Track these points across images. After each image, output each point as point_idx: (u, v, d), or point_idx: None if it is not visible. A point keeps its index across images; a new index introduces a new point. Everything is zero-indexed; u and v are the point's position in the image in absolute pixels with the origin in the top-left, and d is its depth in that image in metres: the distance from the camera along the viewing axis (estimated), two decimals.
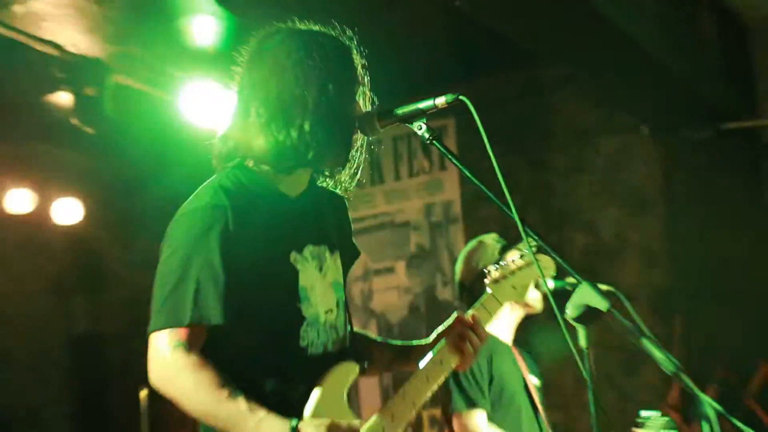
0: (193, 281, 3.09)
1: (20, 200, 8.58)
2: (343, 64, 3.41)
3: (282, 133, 3.25)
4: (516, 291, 3.80)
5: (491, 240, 5.45)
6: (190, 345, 3.07)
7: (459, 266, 5.50)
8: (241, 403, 3.01)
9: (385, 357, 3.65)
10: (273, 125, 3.26)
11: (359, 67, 3.46)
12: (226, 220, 3.15)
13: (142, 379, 3.12)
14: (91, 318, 9.36)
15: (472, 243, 5.53)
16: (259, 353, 3.19)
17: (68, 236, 9.04)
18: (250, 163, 3.32)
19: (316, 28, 3.48)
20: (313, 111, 3.27)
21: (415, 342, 3.66)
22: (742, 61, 7.98)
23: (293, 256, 3.27)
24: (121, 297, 8.14)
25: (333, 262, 3.43)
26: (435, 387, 3.40)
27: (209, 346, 3.12)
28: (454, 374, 4.72)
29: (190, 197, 3.27)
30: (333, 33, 3.50)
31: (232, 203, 3.19)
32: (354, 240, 3.68)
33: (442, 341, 3.44)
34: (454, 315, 3.52)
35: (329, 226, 3.50)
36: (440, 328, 3.51)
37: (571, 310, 3.54)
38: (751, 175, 7.91)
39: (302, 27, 3.49)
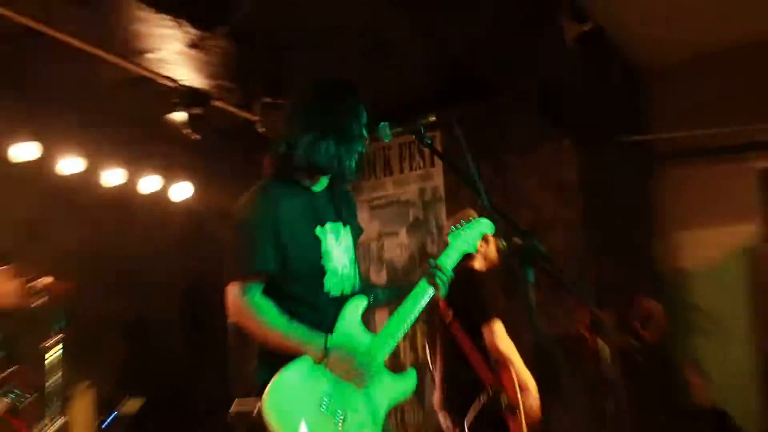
0: (257, 245, 3.27)
1: (151, 184, 8.62)
2: (354, 113, 3.54)
3: (312, 155, 3.43)
4: (467, 243, 3.79)
5: (471, 213, 4.76)
6: (256, 289, 3.25)
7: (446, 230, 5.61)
8: (296, 324, 3.22)
9: (384, 295, 3.70)
10: (308, 150, 3.43)
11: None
12: (276, 206, 3.34)
13: None
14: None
15: (457, 214, 5.24)
16: (298, 294, 3.31)
17: (184, 210, 9.06)
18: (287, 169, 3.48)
19: (341, 87, 3.60)
20: (333, 144, 3.44)
21: (404, 284, 3.74)
22: (638, 97, 8.11)
23: (318, 229, 3.42)
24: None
25: (345, 234, 3.54)
26: (419, 309, 3.49)
27: (267, 290, 3.28)
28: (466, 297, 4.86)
29: (254, 187, 3.48)
30: (350, 92, 3.59)
31: (280, 195, 3.39)
32: (358, 221, 3.79)
33: (422, 279, 3.52)
34: (430, 260, 3.58)
35: (342, 210, 3.59)
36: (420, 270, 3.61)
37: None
38: (642, 172, 8.04)
39: (332, 87, 3.61)
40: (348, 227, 3.61)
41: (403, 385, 3.45)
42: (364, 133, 3.55)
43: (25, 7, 6.00)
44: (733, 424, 6.70)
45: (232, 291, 3.26)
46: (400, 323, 3.46)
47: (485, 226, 3.88)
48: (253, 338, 3.29)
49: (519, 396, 4.91)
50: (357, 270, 3.61)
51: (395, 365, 3.46)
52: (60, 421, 5.10)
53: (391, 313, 3.53)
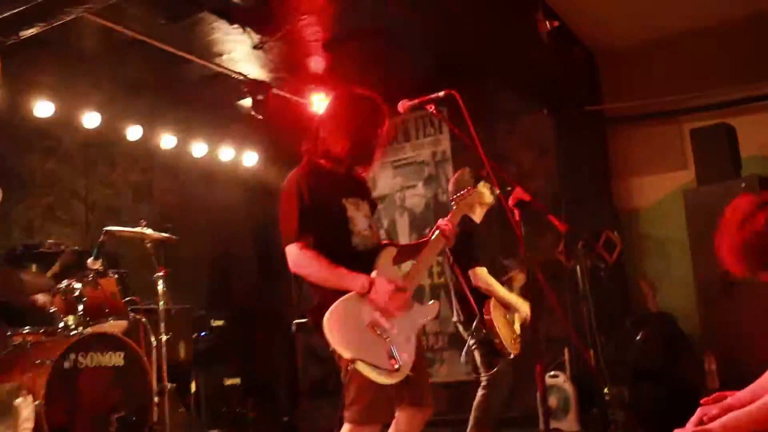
0: (299, 213, 3.23)
1: (227, 154, 8.73)
2: (376, 115, 3.45)
3: (342, 147, 3.37)
4: (469, 206, 3.77)
5: (467, 172, 5.25)
6: (308, 246, 3.22)
7: (450, 186, 5.36)
8: (342, 268, 3.17)
9: (404, 250, 3.60)
10: (340, 142, 3.38)
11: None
12: (311, 182, 3.29)
13: None
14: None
15: (457, 173, 5.38)
16: (333, 249, 3.24)
17: (253, 173, 9.07)
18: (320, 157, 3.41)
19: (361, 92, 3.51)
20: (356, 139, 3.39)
21: (421, 240, 3.67)
22: (595, 74, 7.93)
23: (343, 201, 3.36)
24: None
25: (364, 206, 3.46)
26: (435, 257, 3.60)
27: (314, 246, 3.24)
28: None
29: (293, 172, 3.41)
30: (369, 96, 3.48)
31: (313, 174, 3.35)
32: (372, 197, 3.68)
33: (436, 232, 3.49)
34: (438, 222, 3.54)
35: (360, 188, 3.53)
36: (433, 229, 3.55)
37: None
38: (600, 134, 7.87)
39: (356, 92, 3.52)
40: (366, 201, 3.52)
41: (427, 310, 3.42)
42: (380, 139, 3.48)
43: (131, 23, 6.13)
44: (676, 324, 6.63)
45: (289, 251, 3.24)
46: (423, 266, 3.50)
47: (482, 194, 3.95)
48: (312, 282, 3.26)
49: (495, 327, 4.88)
50: (375, 232, 3.51)
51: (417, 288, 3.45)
52: (166, 337, 5.08)
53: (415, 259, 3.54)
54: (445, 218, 3.57)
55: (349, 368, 3.04)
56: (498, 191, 4.39)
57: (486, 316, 4.88)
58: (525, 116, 8.05)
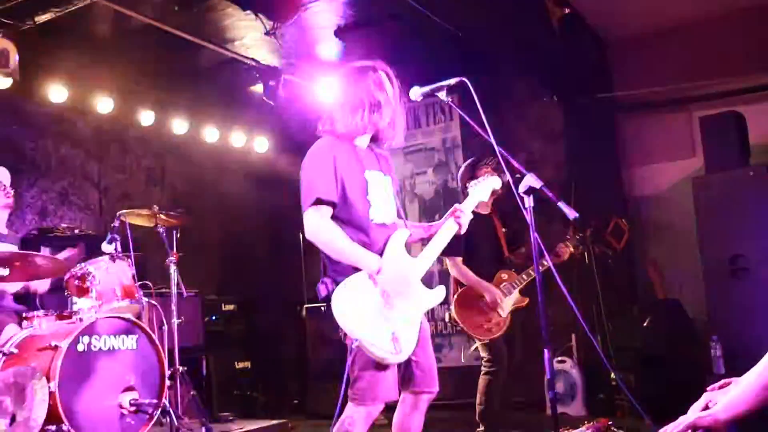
0: (323, 180, 3.20)
1: (239, 139, 8.76)
2: (380, 79, 3.44)
3: (356, 120, 3.35)
4: (482, 192, 3.81)
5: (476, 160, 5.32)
6: (327, 215, 3.19)
7: (461, 172, 5.44)
8: (358, 245, 3.17)
9: (418, 230, 3.62)
10: (354, 116, 3.36)
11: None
12: (335, 153, 3.26)
13: None
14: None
15: (467, 162, 5.46)
16: (352, 220, 3.24)
17: (263, 158, 9.07)
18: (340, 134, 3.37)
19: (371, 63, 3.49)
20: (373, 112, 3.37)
21: (434, 222, 3.67)
22: (604, 62, 7.91)
23: (366, 173, 3.34)
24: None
25: (385, 180, 3.44)
26: (446, 241, 3.53)
27: (332, 218, 3.21)
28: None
29: (318, 142, 3.39)
30: (368, 64, 3.49)
31: (337, 146, 3.31)
32: (395, 164, 3.74)
33: (450, 219, 3.53)
34: (455, 206, 3.60)
35: (383, 162, 3.50)
36: (447, 213, 3.59)
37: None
38: (610, 121, 7.88)
39: (355, 65, 3.52)
40: (387, 177, 3.50)
41: (434, 296, 3.42)
42: (391, 101, 3.44)
43: (144, 8, 6.10)
44: (683, 311, 6.62)
45: (309, 216, 3.19)
46: (436, 246, 3.50)
47: (494, 181, 3.87)
48: (324, 252, 3.22)
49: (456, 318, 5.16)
50: (396, 207, 3.52)
51: (426, 273, 3.46)
52: (178, 321, 5.11)
53: (425, 244, 3.56)
54: (461, 204, 3.58)
55: (354, 346, 3.05)
56: (509, 178, 4.47)
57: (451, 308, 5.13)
58: (535, 103, 7.99)
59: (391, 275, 3.19)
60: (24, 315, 4.73)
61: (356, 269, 3.16)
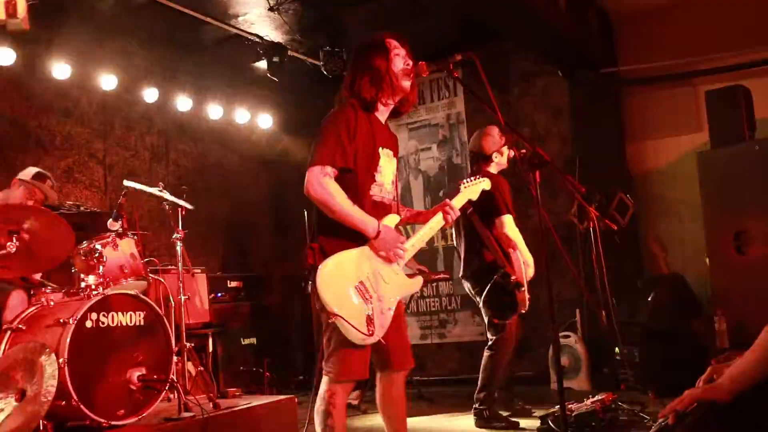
0: (338, 142, 3.18)
1: (243, 116, 8.66)
2: (387, 47, 3.39)
3: (371, 92, 3.32)
4: (473, 193, 3.70)
5: (495, 130, 5.23)
6: (332, 176, 3.17)
7: (479, 141, 5.32)
8: (357, 208, 3.16)
9: (409, 214, 3.57)
10: (368, 88, 3.32)
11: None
12: (356, 120, 3.23)
13: None
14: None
15: (486, 129, 5.33)
16: (350, 190, 3.20)
17: (267, 134, 9.11)
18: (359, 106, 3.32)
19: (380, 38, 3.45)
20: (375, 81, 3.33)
21: (423, 210, 3.71)
22: (610, 37, 7.86)
23: (379, 149, 3.32)
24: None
25: (393, 162, 3.43)
26: (433, 234, 3.49)
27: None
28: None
29: (336, 107, 3.37)
30: (376, 36, 3.46)
31: (358, 114, 3.26)
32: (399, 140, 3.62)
33: (439, 214, 3.44)
34: (445, 200, 3.49)
35: (394, 143, 3.48)
36: (437, 206, 3.50)
37: None
38: (615, 96, 7.84)
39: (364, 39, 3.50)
40: (395, 160, 3.48)
41: (412, 285, 3.39)
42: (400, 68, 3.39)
43: None
44: (687, 285, 6.64)
45: (314, 173, 3.16)
46: (422, 237, 3.44)
47: (486, 184, 3.77)
48: (325, 211, 3.19)
49: (524, 275, 5.01)
50: (396, 188, 3.49)
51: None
52: (185, 297, 5.14)
53: (416, 231, 3.51)
54: (452, 200, 3.52)
55: (329, 321, 3.06)
56: (520, 151, 4.44)
57: (518, 272, 4.99)
58: (540, 78, 8.00)
59: (391, 238, 3.20)
60: (32, 291, 4.76)
61: (346, 244, 3.17)
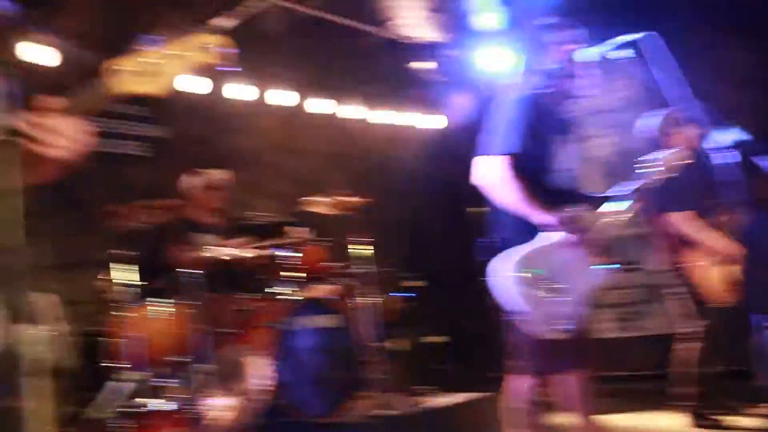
0: (515, 132, 3.16)
1: (411, 117, 8.80)
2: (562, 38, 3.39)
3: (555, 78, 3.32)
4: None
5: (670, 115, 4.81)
6: (507, 165, 3.15)
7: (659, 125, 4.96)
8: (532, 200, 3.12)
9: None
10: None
11: None
12: (531, 111, 3.20)
13: None
14: None
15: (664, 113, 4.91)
16: (527, 177, 3.15)
17: (438, 135, 9.13)
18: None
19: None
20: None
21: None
22: None
23: (553, 136, 3.32)
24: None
25: (570, 147, 3.42)
26: None
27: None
28: None
29: (517, 93, 3.31)
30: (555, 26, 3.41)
31: (536, 105, 3.25)
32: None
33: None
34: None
35: (570, 128, 3.50)
36: None
37: None
38: None
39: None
40: (571, 144, 3.46)
41: (601, 275, 3.29)
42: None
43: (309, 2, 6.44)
44: None
45: (489, 163, 3.17)
46: None
47: None
48: (497, 200, 3.19)
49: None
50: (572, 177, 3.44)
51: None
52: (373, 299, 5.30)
53: None
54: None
55: (512, 319, 3.07)
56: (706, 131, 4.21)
57: (687, 264, 4.73)
58: (714, 49, 7.44)
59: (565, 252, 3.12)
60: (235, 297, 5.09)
61: (525, 241, 3.11)
